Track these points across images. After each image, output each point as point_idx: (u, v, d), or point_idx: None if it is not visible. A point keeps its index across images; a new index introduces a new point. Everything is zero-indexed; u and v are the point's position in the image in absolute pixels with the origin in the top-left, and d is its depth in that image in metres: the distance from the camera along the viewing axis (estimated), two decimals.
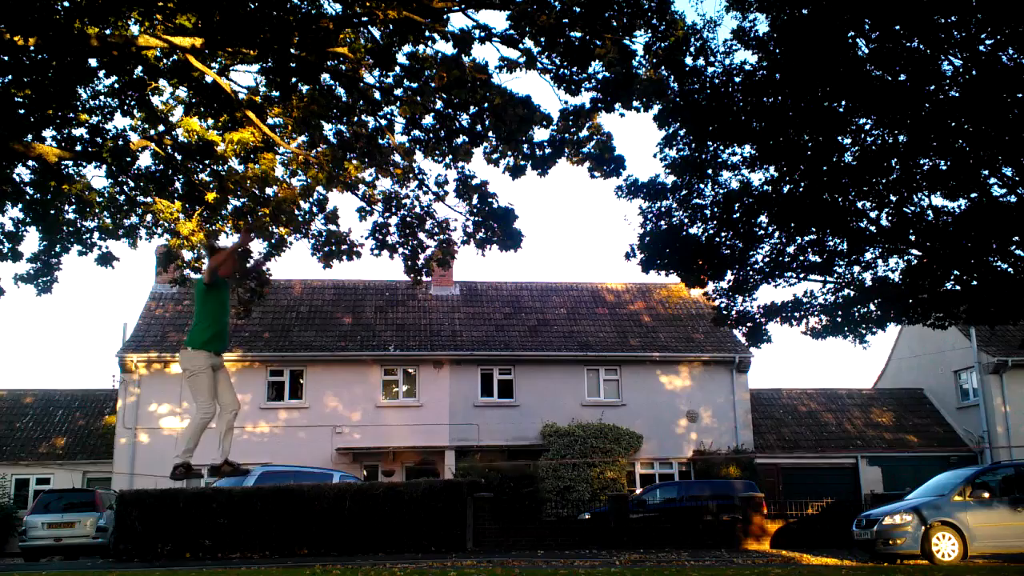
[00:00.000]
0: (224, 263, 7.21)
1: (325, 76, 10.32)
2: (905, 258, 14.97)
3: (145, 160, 11.58)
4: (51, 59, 9.11)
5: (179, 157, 11.14)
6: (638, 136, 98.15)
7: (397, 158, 11.25)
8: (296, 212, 11.56)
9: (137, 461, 25.34)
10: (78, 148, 11.00)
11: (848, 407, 30.68)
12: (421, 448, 26.44)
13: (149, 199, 11.62)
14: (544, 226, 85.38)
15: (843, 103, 13.17)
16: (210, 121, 11.11)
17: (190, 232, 11.34)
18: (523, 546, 17.79)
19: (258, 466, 19.52)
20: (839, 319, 15.19)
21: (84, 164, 11.29)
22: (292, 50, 9.37)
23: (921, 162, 13.48)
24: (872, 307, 15.15)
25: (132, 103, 11.15)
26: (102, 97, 11.27)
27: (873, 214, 14.49)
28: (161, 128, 11.27)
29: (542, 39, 9.49)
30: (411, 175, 11.54)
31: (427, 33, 9.58)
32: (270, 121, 11.26)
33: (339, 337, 27.72)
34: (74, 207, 11.44)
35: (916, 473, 23.93)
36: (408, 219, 11.95)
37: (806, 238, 14.76)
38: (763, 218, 14.68)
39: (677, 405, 27.71)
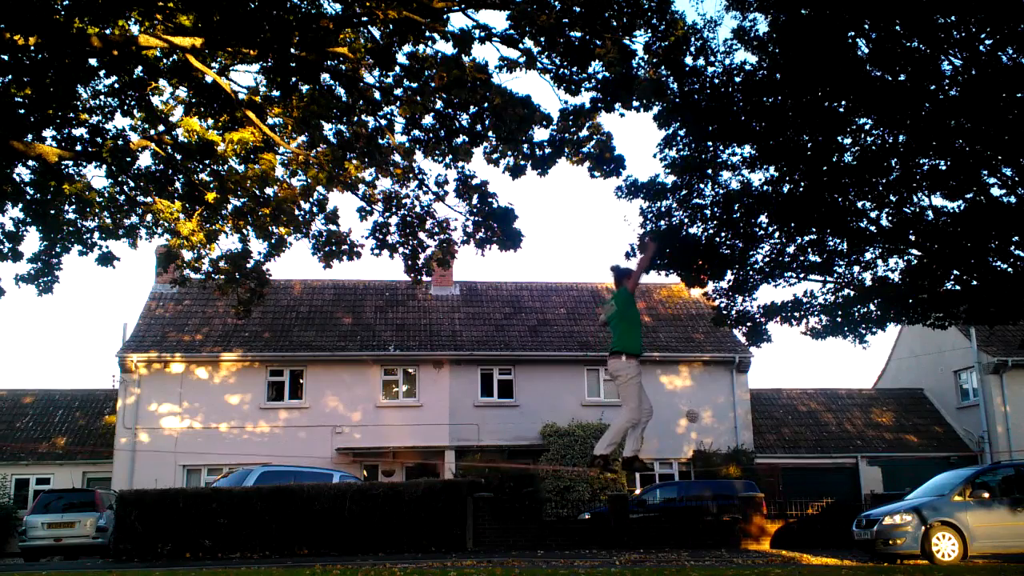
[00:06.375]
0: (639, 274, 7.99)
1: (325, 76, 10.33)
2: (905, 258, 14.95)
3: (145, 160, 11.61)
4: (51, 59, 9.12)
5: (179, 157, 11.15)
6: (638, 136, 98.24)
7: (397, 158, 11.27)
8: (296, 212, 11.58)
9: (137, 461, 25.34)
10: (78, 148, 11.01)
11: (848, 407, 30.68)
12: (421, 448, 26.43)
13: (149, 199, 11.62)
14: (544, 226, 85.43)
15: (843, 103, 13.16)
16: (210, 121, 11.12)
17: (190, 232, 11.35)
18: (523, 546, 17.78)
19: (258, 466, 19.53)
20: (839, 319, 15.18)
21: (84, 164, 11.30)
22: (292, 50, 9.38)
23: (921, 162, 13.46)
24: (872, 307, 15.14)
25: (132, 103, 11.17)
26: (102, 97, 11.29)
27: (873, 214, 14.49)
28: (161, 128, 11.28)
29: (542, 39, 9.51)
30: (411, 175, 11.56)
31: (427, 33, 9.60)
32: (270, 121, 11.27)
33: (339, 337, 27.71)
34: (74, 207, 11.45)
35: (916, 473, 23.89)
36: (408, 219, 11.96)
37: (806, 238, 14.74)
38: (763, 218, 14.67)
39: (677, 405, 27.69)
